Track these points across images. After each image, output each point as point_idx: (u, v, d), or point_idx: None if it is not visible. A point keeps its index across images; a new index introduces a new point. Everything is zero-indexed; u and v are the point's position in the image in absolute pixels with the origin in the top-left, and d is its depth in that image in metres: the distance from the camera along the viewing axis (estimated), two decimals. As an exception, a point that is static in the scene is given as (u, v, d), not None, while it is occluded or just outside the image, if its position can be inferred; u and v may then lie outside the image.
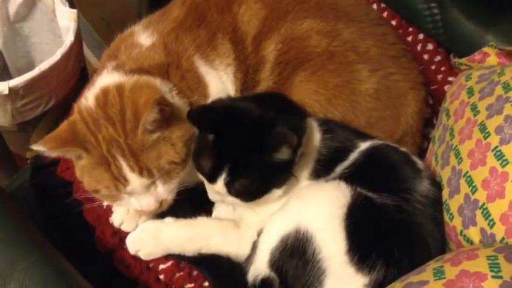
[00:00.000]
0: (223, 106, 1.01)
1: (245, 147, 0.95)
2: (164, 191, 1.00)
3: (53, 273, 0.88)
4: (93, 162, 0.97)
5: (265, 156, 0.94)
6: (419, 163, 1.05)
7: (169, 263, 1.07)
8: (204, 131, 0.98)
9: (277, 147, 0.93)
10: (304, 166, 1.02)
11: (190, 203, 1.08)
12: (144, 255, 1.05)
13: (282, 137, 0.93)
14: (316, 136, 1.04)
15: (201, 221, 1.07)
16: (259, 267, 0.95)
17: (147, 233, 1.05)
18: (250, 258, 0.99)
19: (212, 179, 0.96)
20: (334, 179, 1.01)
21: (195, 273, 1.06)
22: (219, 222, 1.07)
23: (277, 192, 0.99)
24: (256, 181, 0.96)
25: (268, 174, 0.96)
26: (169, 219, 1.06)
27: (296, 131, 0.93)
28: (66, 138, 0.96)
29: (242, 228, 1.05)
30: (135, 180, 0.96)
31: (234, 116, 0.98)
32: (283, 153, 0.93)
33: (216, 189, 0.97)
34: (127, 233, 1.08)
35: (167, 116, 0.97)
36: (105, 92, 0.99)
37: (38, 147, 0.94)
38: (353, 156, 1.03)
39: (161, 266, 1.07)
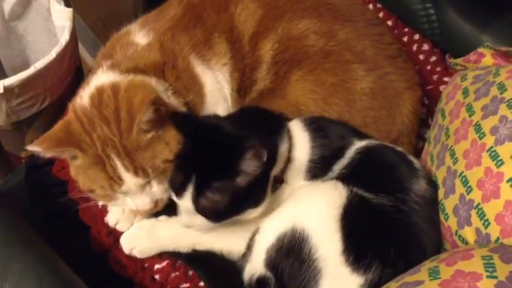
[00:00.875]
0: (200, 119, 1.01)
1: (214, 160, 0.92)
2: (159, 191, 1.00)
3: (48, 273, 0.87)
4: (88, 162, 0.96)
5: (234, 169, 0.90)
6: (416, 163, 1.05)
7: (164, 263, 1.06)
8: (182, 134, 0.96)
9: (245, 160, 0.89)
10: (296, 169, 1.03)
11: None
12: (138, 252, 1.05)
13: (251, 149, 0.89)
14: (303, 137, 1.04)
15: None
16: (255, 266, 0.95)
17: (142, 230, 1.05)
18: (245, 256, 0.99)
19: (179, 193, 0.93)
20: (333, 179, 1.01)
21: (190, 273, 1.06)
22: None
23: (253, 212, 0.96)
24: (225, 197, 0.91)
25: (239, 190, 0.92)
26: (163, 217, 1.06)
27: (265, 146, 0.90)
28: (61, 138, 0.96)
29: (235, 229, 1.04)
30: (130, 180, 0.96)
31: (208, 129, 0.97)
32: (252, 167, 0.90)
33: (184, 206, 0.94)
34: (122, 233, 1.08)
35: (162, 115, 0.97)
36: (100, 91, 0.99)
37: (33, 148, 0.94)
38: (349, 154, 1.03)
39: (156, 266, 1.06)
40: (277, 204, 0.99)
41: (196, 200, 0.92)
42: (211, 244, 1.03)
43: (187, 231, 1.02)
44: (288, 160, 1.02)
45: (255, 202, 0.95)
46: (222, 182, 0.91)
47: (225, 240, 1.03)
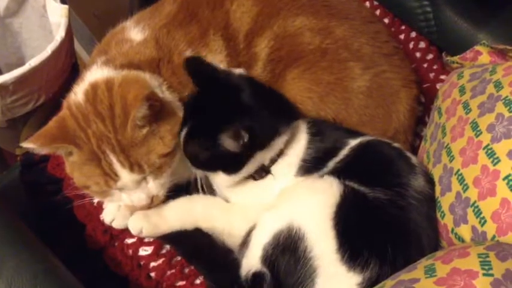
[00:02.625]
0: (219, 71, 1.05)
1: (209, 119, 1.00)
2: (155, 187, 1.00)
3: (42, 271, 0.87)
4: (84, 158, 0.96)
5: (216, 137, 0.97)
6: (414, 159, 1.05)
7: (160, 261, 1.06)
8: (192, 80, 1.04)
9: (224, 136, 0.96)
10: (287, 165, 1.04)
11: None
12: (147, 232, 1.05)
13: (230, 130, 0.96)
14: (302, 138, 1.05)
15: (200, 196, 1.10)
16: (252, 262, 0.95)
17: (151, 210, 1.05)
18: (242, 251, 0.99)
19: (181, 127, 1.02)
20: (328, 173, 1.01)
21: (186, 270, 1.06)
22: (217, 198, 1.09)
23: (226, 178, 1.02)
24: (205, 153, 1.00)
25: (215, 154, 0.99)
26: (169, 200, 1.07)
27: (252, 129, 0.96)
28: (56, 135, 0.95)
29: (237, 212, 1.06)
30: (125, 176, 0.96)
31: (218, 85, 1.03)
32: (230, 145, 0.97)
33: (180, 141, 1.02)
34: (118, 231, 1.08)
35: (157, 110, 0.97)
36: (94, 87, 0.98)
37: (27, 145, 0.94)
38: (343, 153, 1.04)
39: (152, 264, 1.06)
40: (266, 197, 1.02)
41: (185, 142, 1.00)
42: (214, 222, 1.05)
43: (192, 207, 1.07)
44: (281, 153, 1.03)
45: (229, 171, 1.02)
46: (205, 140, 0.99)
47: (227, 219, 1.05)
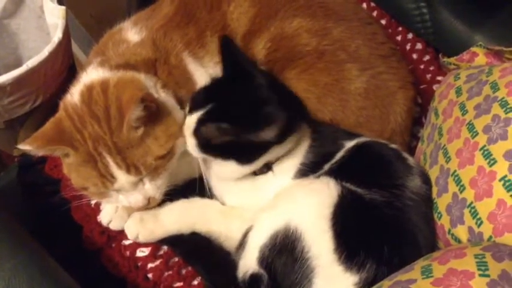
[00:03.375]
0: (247, 60, 1.05)
1: (237, 103, 0.97)
2: (152, 188, 1.00)
3: (39, 272, 0.87)
4: (80, 160, 0.96)
5: (249, 125, 0.94)
6: (411, 160, 1.06)
7: (157, 262, 1.06)
8: (221, 60, 1.03)
9: (262, 126, 0.94)
10: (290, 165, 1.03)
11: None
12: (143, 237, 1.05)
13: (271, 116, 0.94)
14: (305, 142, 1.05)
15: (197, 199, 1.08)
16: (249, 264, 0.95)
17: (148, 214, 1.05)
18: (239, 253, 0.99)
19: (192, 110, 0.99)
20: (324, 174, 1.01)
21: (184, 271, 1.06)
22: (214, 202, 1.08)
23: (234, 168, 0.99)
24: (223, 138, 0.96)
25: (238, 142, 0.96)
26: (166, 203, 1.07)
27: (285, 120, 0.94)
28: (53, 137, 0.95)
29: (234, 214, 1.06)
30: (122, 177, 0.96)
31: (247, 72, 1.01)
32: (267, 135, 0.94)
33: (187, 123, 0.99)
34: (115, 232, 1.08)
35: (152, 111, 0.97)
36: (89, 89, 0.98)
37: (24, 147, 0.94)
38: (339, 155, 1.04)
39: (150, 265, 1.06)
40: (261, 198, 1.02)
41: (199, 124, 0.97)
42: (211, 226, 1.05)
43: (189, 211, 1.06)
44: (288, 152, 1.03)
45: (243, 161, 0.98)
46: (230, 127, 0.94)
47: (224, 223, 1.04)
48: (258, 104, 0.96)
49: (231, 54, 1.03)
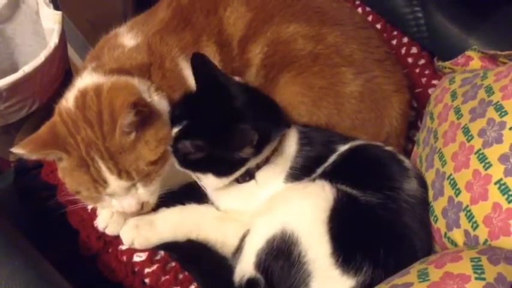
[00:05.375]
0: (220, 73, 1.05)
1: (211, 119, 0.99)
2: (145, 193, 1.00)
3: (36, 277, 0.87)
4: (73, 164, 0.96)
5: (222, 141, 0.96)
6: (407, 162, 1.06)
7: (154, 267, 1.06)
8: (194, 76, 1.03)
9: (237, 145, 0.96)
10: (273, 173, 1.04)
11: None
12: (139, 244, 1.05)
13: (245, 134, 0.95)
14: (291, 147, 1.05)
15: (193, 205, 1.09)
16: (245, 268, 0.95)
17: (142, 221, 1.05)
18: (236, 257, 0.99)
19: (172, 124, 1.01)
20: (318, 177, 1.01)
21: (180, 276, 1.06)
22: (210, 208, 1.08)
23: (213, 181, 1.01)
24: (198, 154, 0.98)
25: (213, 158, 0.98)
26: (162, 209, 1.07)
27: (258, 133, 0.95)
28: (46, 141, 0.96)
29: (229, 219, 1.06)
30: (114, 183, 0.96)
31: (218, 86, 1.02)
32: (243, 152, 0.97)
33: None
34: (112, 237, 1.08)
35: (145, 116, 0.97)
36: (83, 94, 0.99)
37: (17, 150, 0.94)
38: (332, 158, 1.04)
39: (147, 270, 1.06)
40: (252, 202, 1.03)
41: (175, 141, 0.99)
42: (207, 233, 1.05)
43: (184, 219, 1.06)
44: (267, 160, 1.04)
45: (220, 174, 1.01)
46: (204, 143, 0.97)
47: (220, 231, 1.04)
48: (233, 120, 0.98)
49: (204, 69, 1.03)
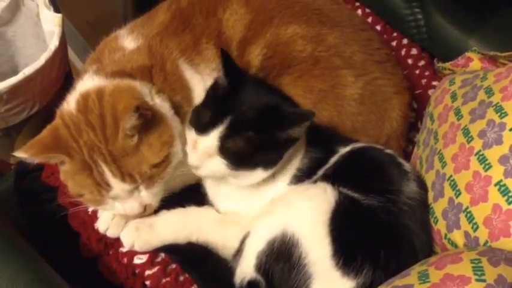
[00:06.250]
0: (243, 70, 1.05)
1: (253, 110, 0.96)
2: (148, 196, 1.00)
3: (37, 279, 0.87)
4: (76, 168, 0.96)
5: (275, 130, 0.95)
6: (406, 165, 1.06)
7: (155, 269, 1.06)
8: (225, 73, 0.99)
9: (294, 123, 0.95)
10: (286, 172, 1.04)
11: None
12: (139, 246, 1.05)
13: (302, 114, 0.97)
14: (301, 148, 1.05)
15: (193, 208, 1.08)
16: (246, 270, 0.95)
17: (142, 224, 1.05)
18: (236, 259, 0.99)
19: (206, 130, 0.96)
20: (319, 180, 1.01)
21: (181, 278, 1.06)
22: (210, 210, 1.08)
23: (260, 174, 0.99)
24: (251, 148, 0.95)
25: (265, 145, 0.96)
26: (163, 212, 1.07)
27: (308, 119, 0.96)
28: (48, 144, 0.95)
29: (230, 222, 1.06)
30: (117, 186, 0.96)
31: (254, 81, 1.04)
32: (295, 131, 0.96)
33: (204, 145, 0.96)
34: (112, 239, 1.08)
35: (148, 119, 0.97)
36: (85, 97, 0.98)
37: (19, 154, 0.94)
38: (333, 160, 1.04)
39: (147, 272, 1.06)
40: (259, 202, 1.03)
41: (223, 140, 0.95)
42: (207, 235, 1.04)
43: (185, 221, 1.06)
44: (288, 157, 1.03)
45: (270, 163, 0.98)
46: (257, 135, 0.94)
47: (221, 233, 1.04)
48: (275, 107, 0.98)
49: (231, 64, 1.02)
